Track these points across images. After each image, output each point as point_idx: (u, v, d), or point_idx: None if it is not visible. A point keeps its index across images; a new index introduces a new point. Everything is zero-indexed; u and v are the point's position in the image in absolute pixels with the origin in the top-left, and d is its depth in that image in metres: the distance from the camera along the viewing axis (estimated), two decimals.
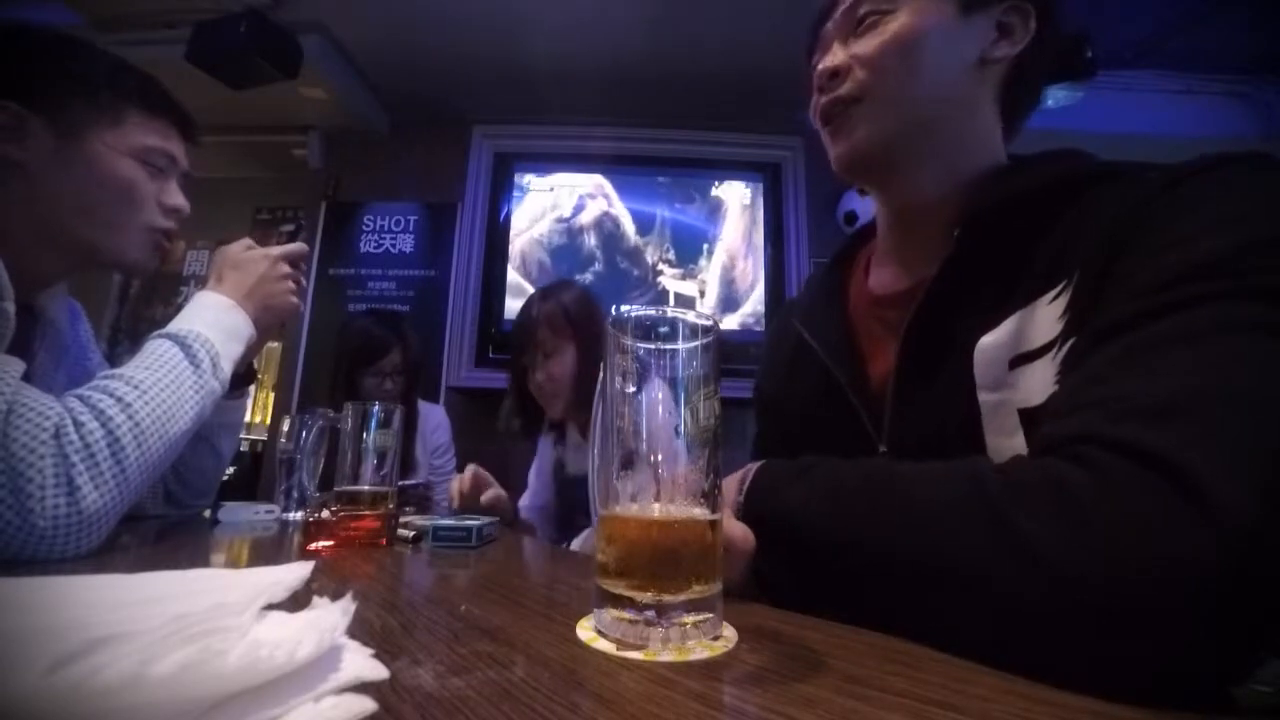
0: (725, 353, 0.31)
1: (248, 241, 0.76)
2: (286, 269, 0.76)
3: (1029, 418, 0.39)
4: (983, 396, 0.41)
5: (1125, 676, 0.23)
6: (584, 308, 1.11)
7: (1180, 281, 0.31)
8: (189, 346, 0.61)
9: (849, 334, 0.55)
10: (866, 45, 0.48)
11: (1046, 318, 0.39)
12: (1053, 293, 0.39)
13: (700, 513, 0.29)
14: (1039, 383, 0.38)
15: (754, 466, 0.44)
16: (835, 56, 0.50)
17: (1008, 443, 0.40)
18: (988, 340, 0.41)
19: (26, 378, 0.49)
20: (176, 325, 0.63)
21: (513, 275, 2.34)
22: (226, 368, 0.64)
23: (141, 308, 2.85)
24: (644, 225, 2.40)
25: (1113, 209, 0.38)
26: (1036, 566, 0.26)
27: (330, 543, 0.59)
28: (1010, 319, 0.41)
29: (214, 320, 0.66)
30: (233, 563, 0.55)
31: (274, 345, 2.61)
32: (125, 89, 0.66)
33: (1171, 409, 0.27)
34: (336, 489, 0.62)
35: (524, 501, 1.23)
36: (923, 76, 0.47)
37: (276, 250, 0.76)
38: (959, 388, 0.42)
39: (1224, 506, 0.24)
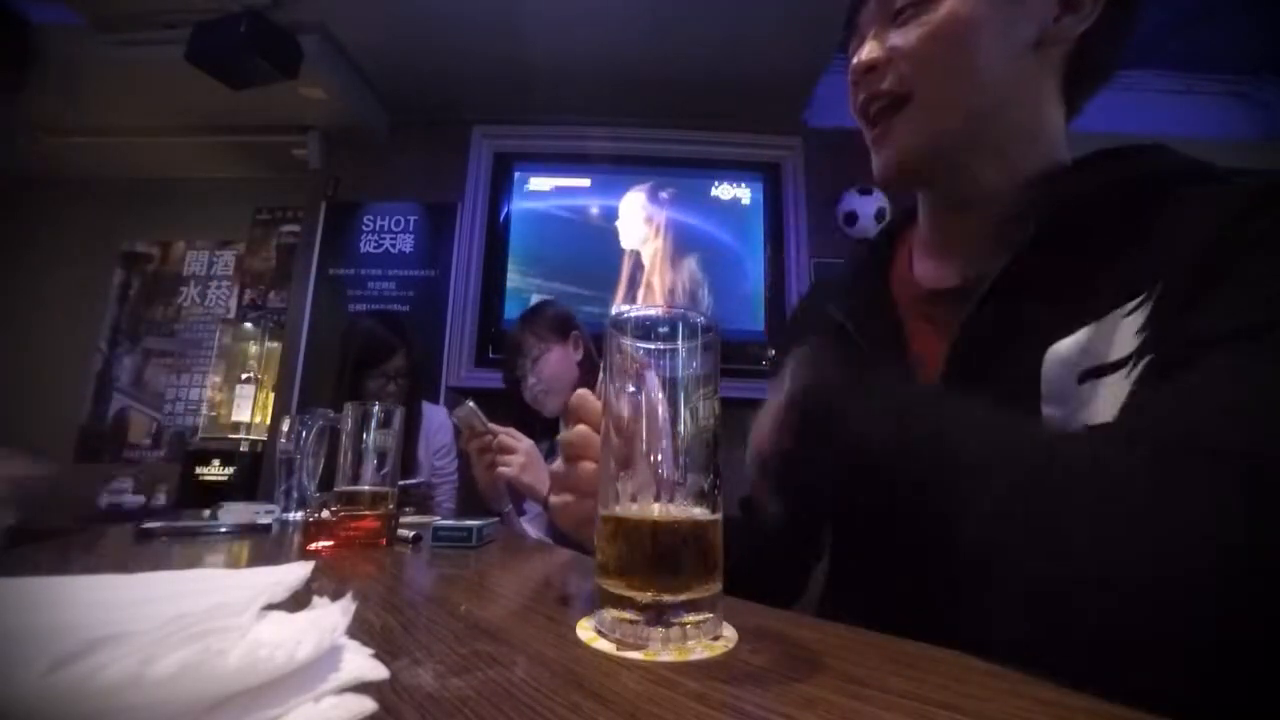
0: (725, 352, 0.31)
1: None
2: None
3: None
4: (1047, 410, 0.38)
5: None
6: (562, 314, 1.33)
7: None
8: None
9: (897, 329, 0.50)
10: (907, 37, 0.43)
11: (1123, 331, 0.36)
12: (1132, 304, 0.36)
13: (700, 513, 0.29)
14: (1109, 399, 0.35)
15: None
16: (871, 49, 0.45)
17: None
18: (1058, 350, 0.38)
19: None
20: None
21: None
22: None
23: (141, 308, 2.85)
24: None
25: (1208, 219, 0.34)
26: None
27: (330, 543, 0.59)
28: (1083, 330, 0.37)
29: None
30: (233, 563, 0.55)
31: (274, 345, 2.61)
32: None
33: None
34: (336, 489, 0.62)
35: (526, 521, 1.23)
36: (975, 70, 0.42)
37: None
38: (1020, 399, 0.38)
39: None
